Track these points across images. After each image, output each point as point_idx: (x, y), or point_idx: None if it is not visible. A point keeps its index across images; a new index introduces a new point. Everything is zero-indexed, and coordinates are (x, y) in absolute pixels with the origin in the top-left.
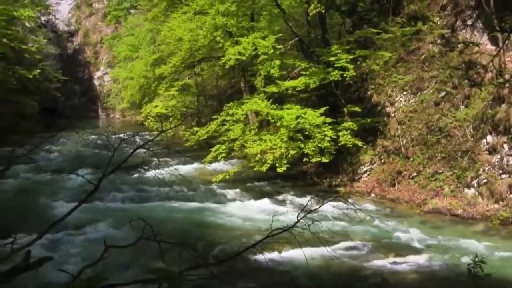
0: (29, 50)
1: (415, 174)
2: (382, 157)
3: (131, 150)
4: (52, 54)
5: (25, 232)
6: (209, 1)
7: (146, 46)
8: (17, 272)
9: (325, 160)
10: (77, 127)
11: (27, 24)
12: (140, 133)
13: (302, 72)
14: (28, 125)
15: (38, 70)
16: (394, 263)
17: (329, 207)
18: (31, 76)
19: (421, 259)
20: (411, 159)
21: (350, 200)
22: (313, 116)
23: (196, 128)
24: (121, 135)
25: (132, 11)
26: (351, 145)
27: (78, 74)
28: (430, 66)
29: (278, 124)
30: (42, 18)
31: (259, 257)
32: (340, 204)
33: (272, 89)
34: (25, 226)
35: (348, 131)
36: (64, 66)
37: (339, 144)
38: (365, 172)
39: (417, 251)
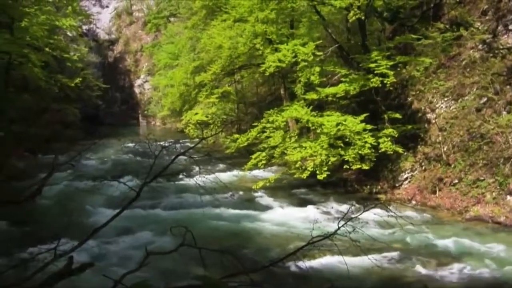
0: (71, 58)
1: (456, 181)
2: (423, 164)
3: (172, 157)
4: (93, 63)
5: (67, 238)
6: (249, 9)
7: (186, 54)
8: (60, 277)
9: (365, 167)
10: (118, 135)
11: (69, 33)
12: (180, 141)
13: (342, 78)
14: (70, 132)
15: (80, 79)
16: (436, 271)
17: (369, 215)
18: (73, 85)
19: (463, 267)
20: (452, 166)
21: (390, 208)
22: (354, 123)
23: (236, 135)
24: (162, 143)
25: (172, 19)
26: (392, 152)
27: (119, 82)
28: (471, 72)
29: (318, 131)
30: (84, 27)
31: (300, 264)
32: (381, 211)
33: (312, 96)
34: (68, 232)
35: (389, 138)
36: (105, 74)
37: (380, 151)
38: (406, 179)
39: (459, 259)
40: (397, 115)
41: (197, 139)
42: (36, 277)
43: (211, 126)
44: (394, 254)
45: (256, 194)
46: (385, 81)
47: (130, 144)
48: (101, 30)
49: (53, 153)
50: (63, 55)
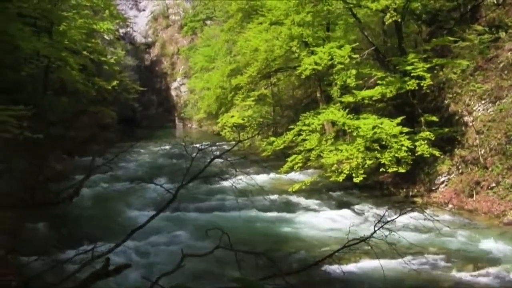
0: (108, 62)
1: (494, 184)
2: (459, 167)
3: (208, 160)
4: (130, 66)
5: (104, 239)
6: (285, 12)
7: (222, 57)
8: (97, 278)
9: (402, 170)
10: (155, 137)
11: (106, 36)
12: (217, 143)
13: (378, 81)
14: (107, 135)
15: (117, 81)
16: (473, 275)
17: (406, 218)
18: (110, 87)
19: (500, 271)
20: (490, 169)
21: (427, 211)
22: (390, 126)
23: (272, 138)
24: (198, 145)
25: (208, 22)
26: (428, 155)
27: (155, 84)
28: (509, 74)
29: (354, 134)
30: (121, 31)
31: (336, 267)
32: (417, 215)
33: (348, 98)
34: (105, 234)
35: (425, 141)
36: (141, 77)
37: (416, 154)
38: (442, 182)
39: (497, 263)
40: (434, 118)
41: (233, 142)
42: (73, 278)
43: (247, 128)
44: (431, 258)
45: (292, 197)
46: (421, 84)
47: (167, 147)
48: (138, 33)
49: (90, 155)
50: (100, 58)
